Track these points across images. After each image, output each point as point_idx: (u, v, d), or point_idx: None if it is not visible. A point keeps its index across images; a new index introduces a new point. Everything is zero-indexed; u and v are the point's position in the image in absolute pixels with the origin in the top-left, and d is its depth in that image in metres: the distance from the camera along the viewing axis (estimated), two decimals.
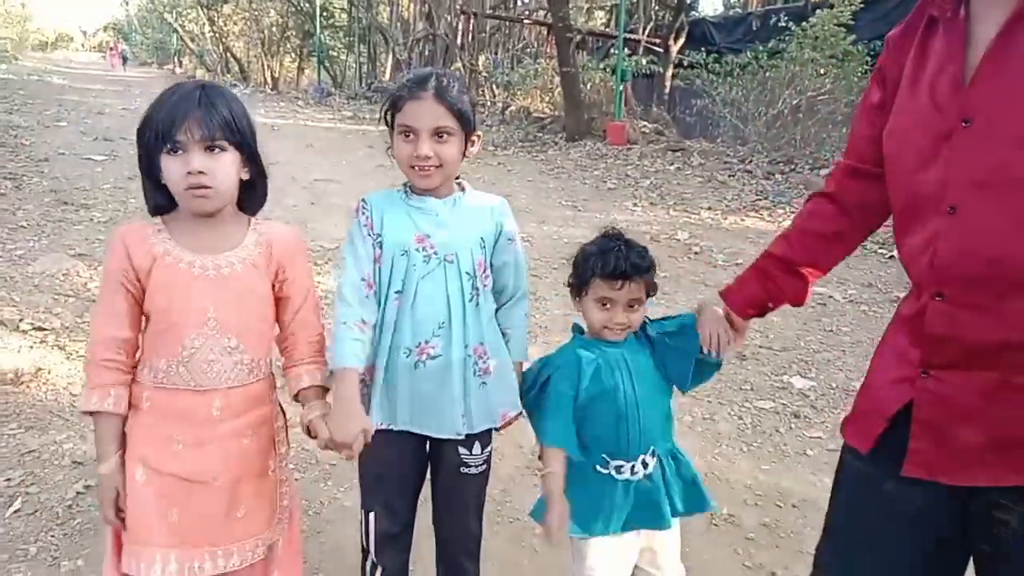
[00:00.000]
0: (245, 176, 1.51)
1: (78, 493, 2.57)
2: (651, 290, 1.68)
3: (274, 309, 1.58)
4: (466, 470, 1.77)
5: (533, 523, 2.58)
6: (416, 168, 1.63)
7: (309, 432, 1.53)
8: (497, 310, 1.79)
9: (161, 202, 1.49)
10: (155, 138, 1.40)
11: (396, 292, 1.66)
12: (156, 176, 1.44)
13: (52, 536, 2.34)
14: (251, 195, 1.56)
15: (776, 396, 3.66)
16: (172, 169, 1.41)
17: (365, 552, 1.83)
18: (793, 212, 7.74)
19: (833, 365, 4.06)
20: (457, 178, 1.75)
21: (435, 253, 1.66)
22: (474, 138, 1.69)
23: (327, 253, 5.75)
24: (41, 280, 4.57)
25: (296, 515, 1.70)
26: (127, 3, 41.16)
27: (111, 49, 38.21)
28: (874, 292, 5.36)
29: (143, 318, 1.49)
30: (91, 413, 1.45)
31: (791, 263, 1.54)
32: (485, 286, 1.73)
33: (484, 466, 1.80)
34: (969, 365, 1.17)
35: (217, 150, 1.42)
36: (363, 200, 1.71)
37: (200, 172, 1.40)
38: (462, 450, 1.75)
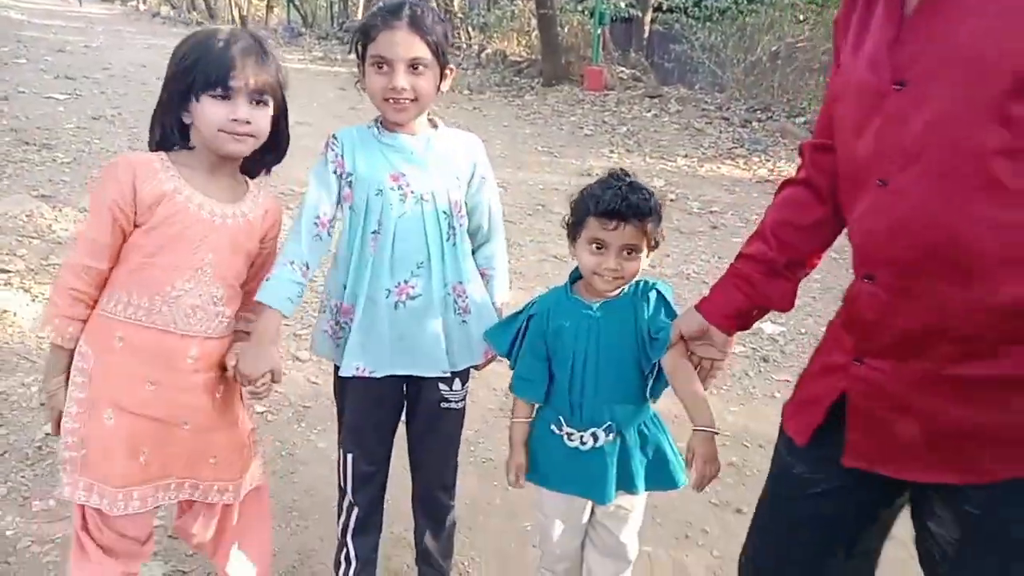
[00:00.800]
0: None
1: (47, 434, 2.55)
2: (652, 239, 1.54)
3: (245, 269, 1.58)
4: (446, 405, 1.78)
5: (504, 463, 2.63)
6: (390, 101, 1.57)
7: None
8: (474, 251, 1.78)
9: (173, 140, 1.49)
10: (205, 81, 1.41)
11: (373, 232, 1.62)
12: (179, 115, 1.46)
13: (22, 476, 2.33)
14: (262, 157, 1.58)
15: (747, 341, 3.71)
16: (215, 113, 1.42)
17: (342, 491, 1.85)
18: (769, 160, 7.75)
19: (803, 311, 4.12)
20: (429, 115, 1.70)
21: (411, 192, 1.62)
22: (447, 71, 1.64)
23: (296, 196, 5.65)
24: (3, 222, 4.45)
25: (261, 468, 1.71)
26: None
27: None
28: (844, 239, 5.38)
29: (131, 252, 1.44)
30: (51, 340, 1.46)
31: (771, 263, 1.36)
32: (461, 225, 1.70)
33: (463, 402, 1.82)
34: (900, 353, 1.08)
35: (262, 103, 1.46)
36: (333, 136, 1.65)
37: (247, 121, 1.43)
38: (442, 386, 1.76)
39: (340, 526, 1.87)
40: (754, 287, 1.38)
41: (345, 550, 1.86)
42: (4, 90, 8.44)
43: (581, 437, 1.61)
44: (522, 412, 1.69)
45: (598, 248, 1.52)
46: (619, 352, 1.58)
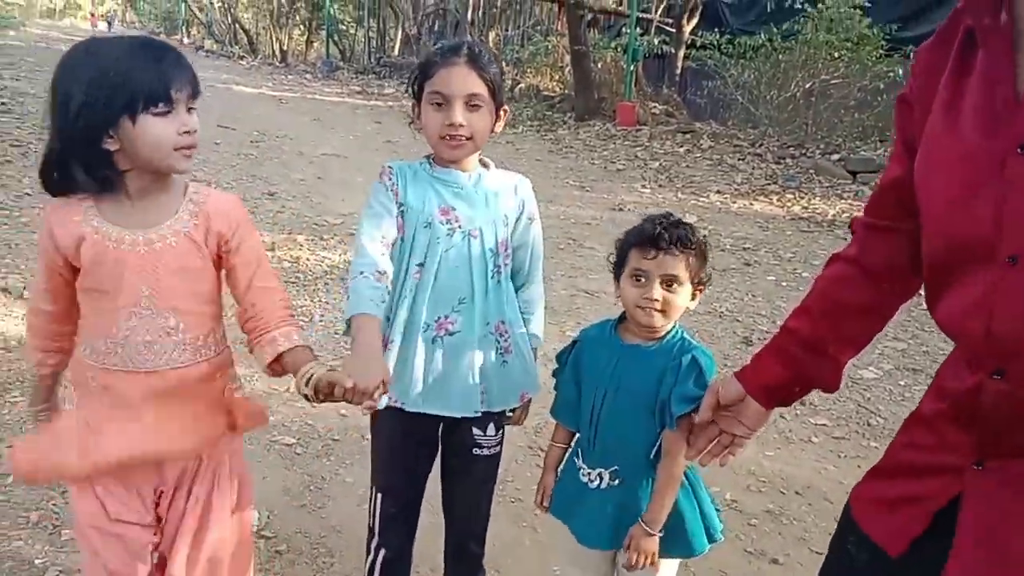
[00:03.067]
0: None
1: None
2: (695, 273, 1.51)
3: (217, 284, 1.47)
4: (478, 451, 1.75)
5: (533, 503, 2.58)
6: (447, 138, 1.57)
7: (308, 395, 1.35)
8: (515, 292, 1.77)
9: (95, 176, 1.32)
10: (145, 98, 1.27)
11: (417, 264, 1.62)
12: (97, 145, 1.29)
13: (53, 504, 2.34)
14: None
15: None
16: (164, 131, 1.29)
17: (371, 531, 1.82)
18: (803, 197, 7.68)
19: None
20: (480, 156, 1.70)
21: (459, 227, 1.62)
22: (501, 112, 1.65)
23: (332, 228, 5.72)
24: None
25: (245, 502, 1.60)
26: None
27: (92, 15, 47.14)
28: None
29: (80, 296, 1.41)
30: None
31: (816, 343, 1.24)
32: (506, 264, 1.70)
33: (497, 448, 1.78)
34: None
35: (194, 109, 1.36)
36: (389, 166, 1.66)
37: (194, 130, 1.33)
38: (476, 431, 1.73)
39: (367, 566, 1.83)
40: (797, 364, 1.25)
41: None
42: None
43: (590, 474, 1.61)
44: (558, 437, 1.71)
45: (639, 279, 1.51)
46: (634, 401, 1.54)
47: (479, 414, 1.69)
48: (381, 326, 1.48)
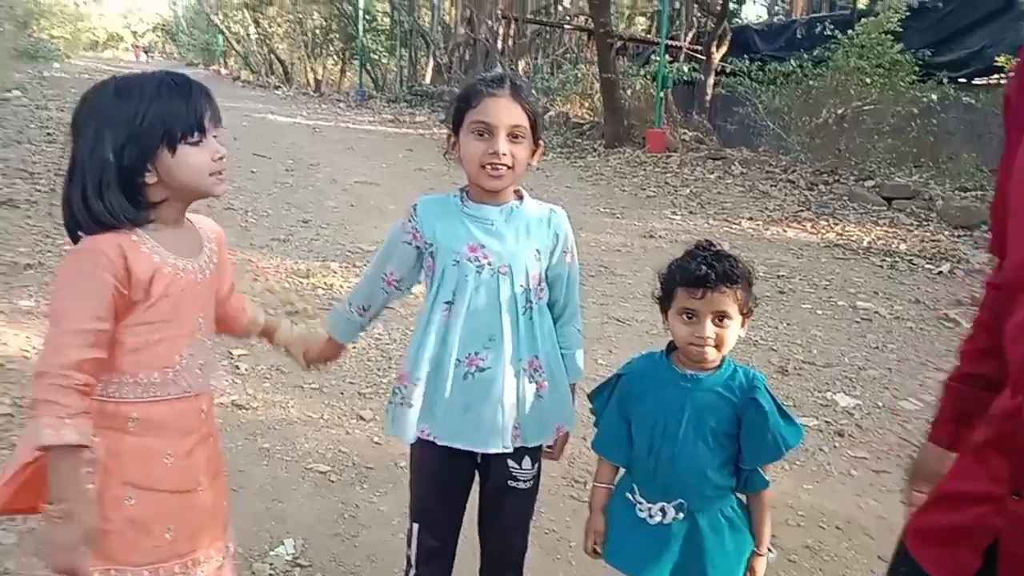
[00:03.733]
0: None
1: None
2: (744, 306, 1.51)
3: None
4: (514, 484, 1.74)
5: (568, 536, 2.56)
6: (488, 167, 1.57)
7: (286, 346, 1.81)
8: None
9: (139, 208, 1.35)
10: (178, 132, 1.34)
11: (446, 303, 1.63)
12: (135, 179, 1.34)
13: None
14: None
15: (820, 413, 3.57)
16: (198, 158, 1.37)
17: (408, 562, 1.82)
18: (837, 223, 7.59)
19: (879, 383, 3.95)
20: (515, 186, 1.71)
21: (489, 264, 1.61)
22: (539, 145, 1.66)
23: (366, 255, 5.77)
24: None
25: None
26: (175, 4, 42.15)
27: (136, 46, 51.22)
28: (921, 309, 5.22)
29: (130, 332, 1.37)
30: (59, 447, 1.25)
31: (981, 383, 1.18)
32: (540, 299, 1.69)
33: (532, 482, 1.76)
34: None
35: (217, 136, 1.42)
36: (414, 207, 1.68)
37: (224, 156, 1.41)
38: (511, 464, 1.71)
39: None
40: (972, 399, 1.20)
41: None
42: None
43: (650, 509, 1.57)
44: (604, 476, 1.67)
45: (689, 318, 1.51)
46: (704, 431, 1.53)
47: (510, 450, 1.68)
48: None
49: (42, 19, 31.59)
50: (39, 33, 29.95)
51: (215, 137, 1.41)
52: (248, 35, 30.34)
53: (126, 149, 1.32)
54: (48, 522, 1.28)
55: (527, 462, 1.73)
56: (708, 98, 13.42)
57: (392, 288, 1.73)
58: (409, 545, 1.80)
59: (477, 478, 1.80)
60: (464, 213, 1.65)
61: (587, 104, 15.35)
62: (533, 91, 1.67)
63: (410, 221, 1.66)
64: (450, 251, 1.62)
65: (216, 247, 1.52)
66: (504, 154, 1.56)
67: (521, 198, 1.70)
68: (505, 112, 1.56)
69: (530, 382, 1.67)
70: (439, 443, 1.67)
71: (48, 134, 9.75)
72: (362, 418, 3.29)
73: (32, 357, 3.49)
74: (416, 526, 1.78)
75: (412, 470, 1.80)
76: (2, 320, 3.86)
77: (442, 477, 1.74)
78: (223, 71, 29.66)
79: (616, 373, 1.66)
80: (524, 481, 1.74)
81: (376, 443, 3.09)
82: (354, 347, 4.01)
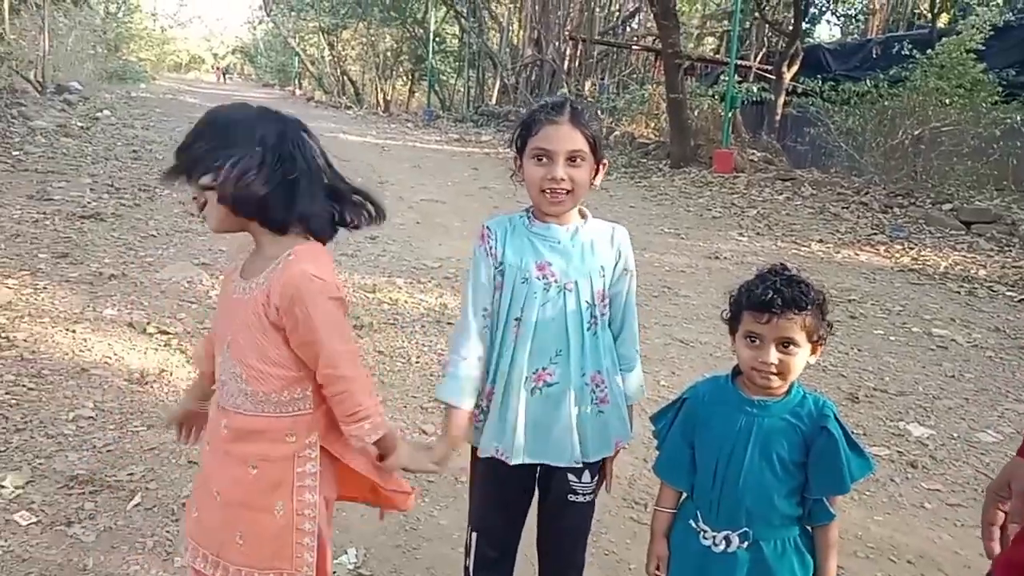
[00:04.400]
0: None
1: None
2: (814, 334, 1.47)
3: (284, 351, 1.45)
4: (574, 498, 1.76)
5: (628, 557, 2.54)
6: (547, 192, 1.64)
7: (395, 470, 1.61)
8: None
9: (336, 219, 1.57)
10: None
11: (515, 319, 1.68)
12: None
13: (167, 531, 2.47)
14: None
15: (891, 443, 3.45)
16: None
17: (467, 572, 1.84)
18: (912, 248, 7.34)
19: (955, 413, 3.80)
20: (579, 206, 1.75)
21: (555, 281, 1.67)
22: (601, 165, 1.71)
23: (431, 271, 5.87)
24: (168, 286, 4.87)
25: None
26: (255, 28, 43.84)
27: (217, 68, 56.71)
28: (1001, 337, 4.99)
29: None
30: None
31: None
32: (603, 315, 1.73)
33: (592, 495, 1.79)
34: None
35: None
36: (487, 226, 1.74)
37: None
38: (572, 477, 1.74)
39: None
40: None
41: None
42: None
43: (715, 537, 1.55)
44: (666, 501, 1.65)
45: (753, 342, 1.49)
46: (770, 459, 1.50)
47: (579, 463, 1.71)
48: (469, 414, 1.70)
49: (131, 42, 33.31)
50: (128, 56, 31.58)
51: None
52: (323, 57, 31.31)
53: (319, 178, 1.52)
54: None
55: (586, 476, 1.75)
56: (778, 118, 13.20)
57: (488, 324, 1.70)
58: (468, 555, 1.83)
59: (537, 492, 1.82)
60: (531, 232, 1.71)
61: (653, 124, 15.29)
62: (598, 112, 1.72)
63: (487, 242, 1.72)
64: (519, 269, 1.67)
65: (273, 285, 1.41)
66: (562, 179, 1.62)
67: (584, 218, 1.75)
68: (564, 138, 1.62)
69: (592, 397, 1.71)
70: (510, 462, 1.70)
71: (134, 151, 10.27)
72: (424, 432, 3.34)
73: (114, 364, 3.66)
74: (475, 535, 1.81)
75: (473, 480, 1.84)
76: (87, 327, 4.07)
77: (505, 490, 1.77)
78: (298, 92, 30.67)
79: (680, 396, 1.64)
80: (584, 495, 1.76)
81: None
82: (417, 361, 4.08)
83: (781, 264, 1.54)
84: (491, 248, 1.70)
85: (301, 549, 1.50)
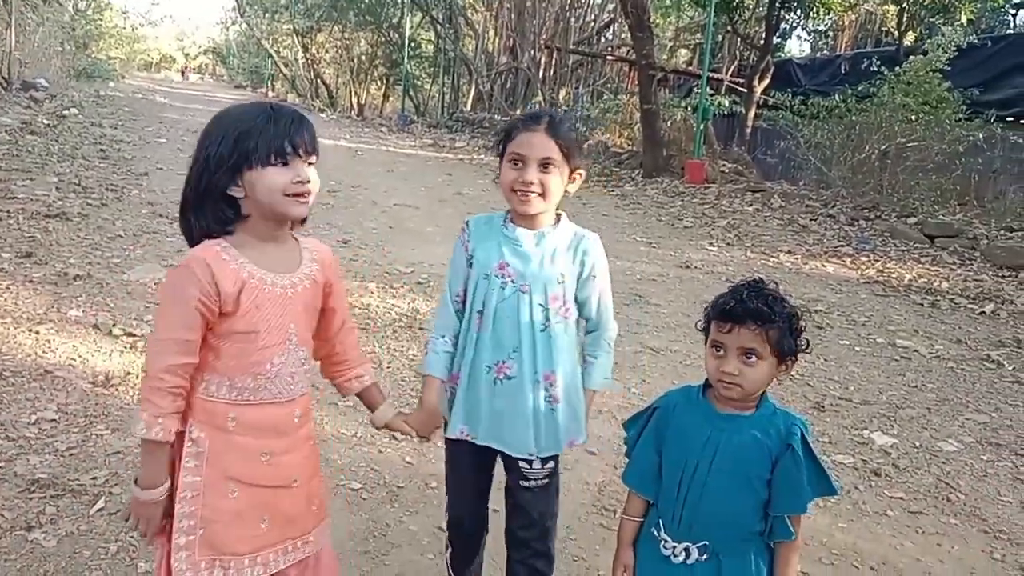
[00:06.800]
0: None
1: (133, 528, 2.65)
2: (778, 347, 1.47)
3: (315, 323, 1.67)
4: (525, 483, 1.88)
5: (597, 564, 2.55)
6: (518, 192, 1.77)
7: (386, 425, 1.81)
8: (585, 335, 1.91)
9: (224, 220, 1.52)
10: (266, 151, 1.47)
11: (478, 311, 1.82)
12: (226, 192, 1.50)
13: (132, 536, 2.42)
14: None
15: (856, 451, 3.51)
16: (278, 178, 1.49)
17: (448, 563, 2.04)
18: (878, 260, 7.48)
19: (917, 423, 3.87)
20: (557, 211, 1.86)
21: (511, 282, 1.80)
22: (576, 175, 1.83)
23: (403, 277, 5.85)
24: (135, 287, 4.79)
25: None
26: (227, 29, 43.41)
27: (183, 68, 55.94)
28: (963, 349, 5.11)
29: (226, 339, 1.51)
30: (148, 441, 1.46)
31: None
32: (566, 318, 1.83)
33: (545, 480, 1.89)
34: None
35: (312, 165, 1.56)
36: (467, 222, 1.90)
37: (308, 181, 1.52)
38: (523, 465, 1.86)
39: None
40: None
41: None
42: (145, 167, 9.24)
43: (675, 548, 1.56)
44: (634, 509, 1.67)
45: (718, 351, 1.50)
46: (733, 473, 1.51)
47: (533, 457, 1.84)
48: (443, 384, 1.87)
49: (100, 40, 32.76)
50: (97, 53, 31.04)
51: (309, 165, 1.53)
52: (296, 60, 31.09)
53: (218, 164, 1.49)
54: (136, 495, 1.50)
55: (536, 464, 1.87)
56: (748, 130, 13.39)
57: (462, 306, 1.86)
58: (445, 516, 2.03)
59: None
60: (503, 233, 1.85)
61: (626, 134, 15.42)
62: (576, 123, 1.80)
63: (465, 234, 1.88)
64: (484, 266, 1.82)
65: (320, 267, 1.63)
66: (531, 182, 1.75)
67: (558, 223, 1.86)
68: (538, 146, 1.75)
69: (546, 395, 1.82)
70: (477, 443, 1.85)
71: (101, 150, 10.10)
72: (395, 438, 3.32)
73: (78, 366, 3.60)
74: (448, 497, 1.99)
75: (447, 466, 1.99)
76: (51, 328, 3.99)
77: (468, 469, 1.95)
78: (270, 94, 30.40)
79: (651, 405, 1.65)
80: (536, 480, 1.88)
81: (408, 463, 3.11)
82: (388, 366, 4.07)
83: (759, 278, 1.55)
84: (466, 241, 1.86)
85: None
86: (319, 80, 29.42)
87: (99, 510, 2.53)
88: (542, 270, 1.79)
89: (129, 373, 3.58)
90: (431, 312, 4.85)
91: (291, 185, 1.49)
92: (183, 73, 53.59)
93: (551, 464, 1.88)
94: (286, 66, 32.11)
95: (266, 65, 34.12)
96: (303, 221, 1.64)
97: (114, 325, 4.11)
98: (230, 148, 1.48)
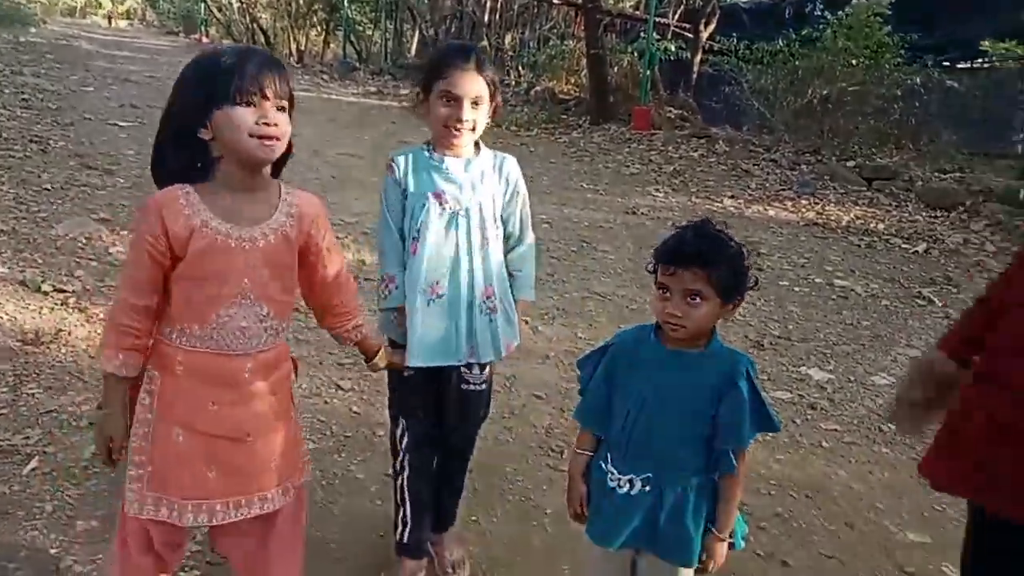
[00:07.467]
0: None
1: (94, 454, 2.59)
2: (724, 289, 1.49)
3: (296, 276, 1.64)
4: (466, 387, 2.06)
5: (544, 503, 2.59)
6: (450, 128, 1.88)
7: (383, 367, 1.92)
8: (506, 253, 2.06)
9: (193, 163, 1.49)
10: (234, 90, 1.44)
11: (414, 237, 1.93)
12: (195, 134, 1.47)
13: (68, 496, 2.37)
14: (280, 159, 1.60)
15: (794, 387, 3.62)
16: (244, 118, 1.45)
17: (397, 454, 2.12)
18: (818, 203, 7.64)
19: (852, 358, 4.01)
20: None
21: (448, 207, 1.92)
22: (496, 107, 1.96)
23: (347, 227, 5.74)
24: (64, 243, 4.60)
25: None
26: None
27: (111, 13, 51.00)
28: (896, 287, 5.29)
29: (176, 284, 1.51)
30: (109, 374, 1.52)
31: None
32: (496, 236, 2.00)
33: (484, 385, 2.09)
34: None
35: (283, 110, 1.51)
36: (392, 159, 1.98)
37: (275, 124, 1.48)
38: (464, 371, 2.04)
39: (395, 484, 2.15)
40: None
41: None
42: (71, 117, 8.80)
43: (620, 480, 1.59)
44: (584, 444, 1.70)
45: (664, 293, 1.51)
46: (680, 410, 1.54)
47: (463, 363, 2.00)
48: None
49: None
50: None
51: (280, 111, 1.50)
52: (231, 3, 29.81)
53: (186, 106, 1.48)
54: (96, 417, 1.58)
55: (476, 370, 2.05)
56: (694, 76, 13.38)
57: (400, 243, 1.96)
58: (399, 441, 2.09)
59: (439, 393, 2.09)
60: (431, 164, 1.95)
61: (573, 80, 15.25)
62: (492, 60, 1.83)
63: (394, 172, 1.96)
64: (419, 195, 1.92)
65: (297, 222, 1.58)
66: (467, 120, 1.87)
67: (478, 149, 2.00)
68: (470, 84, 1.86)
69: (483, 308, 1.98)
70: (420, 364, 1.95)
71: (23, 99, 9.56)
72: (341, 388, 3.30)
73: (6, 324, 3.46)
74: (404, 421, 2.08)
75: (392, 376, 2.08)
76: None
77: (422, 388, 2.04)
78: (204, 40, 29.16)
79: (605, 343, 1.67)
80: (476, 384, 2.07)
81: (355, 412, 3.10)
82: None
83: (704, 219, 1.57)
84: (396, 176, 1.95)
85: (302, 443, 1.79)
86: (255, 25, 28.29)
87: (32, 470, 2.47)
88: (475, 193, 1.94)
89: (61, 331, 3.45)
90: (376, 262, 4.79)
91: (256, 126, 1.45)
92: (109, 19, 50.04)
93: (488, 370, 2.08)
94: (220, 10, 30.76)
95: (199, 10, 32.62)
96: (278, 169, 1.60)
97: (43, 281, 3.94)
98: (199, 89, 1.47)
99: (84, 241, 4.66)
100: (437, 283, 1.93)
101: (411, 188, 1.93)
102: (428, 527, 2.16)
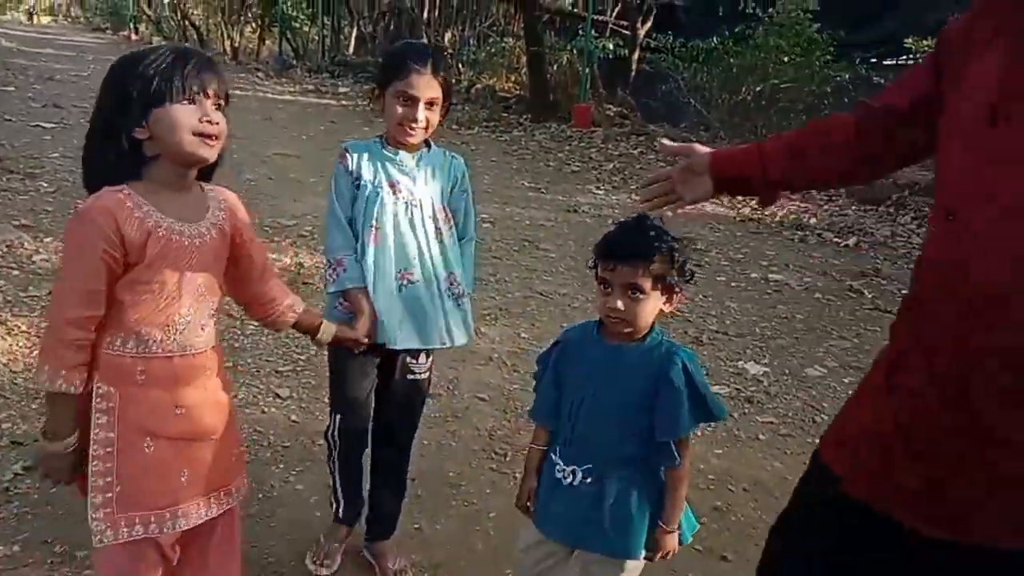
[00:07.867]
0: None
1: (15, 475, 2.48)
2: (661, 281, 1.52)
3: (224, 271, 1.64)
4: (412, 376, 2.11)
5: (487, 507, 2.59)
6: (405, 127, 1.95)
7: (334, 339, 1.86)
8: None
9: (124, 164, 1.45)
10: (172, 90, 1.41)
11: (371, 226, 1.98)
12: (130, 134, 1.43)
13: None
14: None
15: (731, 381, 3.70)
16: (184, 116, 1.42)
17: (331, 445, 2.19)
18: (754, 199, 7.82)
19: (787, 351, 4.12)
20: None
21: (402, 199, 2.00)
22: (449, 106, 2.05)
23: (285, 230, 5.63)
24: None
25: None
26: None
27: (33, 9, 48.38)
28: (829, 280, 5.45)
29: (129, 290, 1.45)
30: (53, 393, 1.43)
31: (792, 146, 1.42)
32: (450, 227, 2.09)
33: (427, 374, 2.16)
34: None
35: (220, 109, 1.50)
36: (345, 148, 2.03)
37: (217, 123, 1.46)
38: (410, 360, 2.09)
39: (331, 471, 2.23)
40: (752, 166, 1.43)
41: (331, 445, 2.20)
42: None
43: (564, 471, 1.63)
44: (539, 439, 1.73)
45: (606, 288, 1.54)
46: (619, 402, 1.57)
47: (446, 345, 2.09)
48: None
49: None
50: None
51: (218, 109, 1.48)
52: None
53: (123, 104, 1.43)
54: (42, 445, 1.48)
55: (422, 358, 2.12)
56: (633, 74, 13.53)
57: (350, 226, 2.01)
58: (334, 430, 2.16)
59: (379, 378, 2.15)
60: (384, 156, 2.02)
61: (513, 78, 15.26)
62: (459, 63, 1.85)
63: (346, 160, 2.01)
64: (372, 184, 1.99)
65: (227, 215, 1.58)
66: (421, 120, 1.95)
67: (429, 146, 2.08)
68: (426, 87, 1.93)
69: (450, 294, 2.07)
70: (390, 346, 2.01)
71: None
72: (279, 396, 3.23)
73: None
74: (338, 416, 2.14)
75: (333, 370, 2.14)
76: None
77: (366, 374, 2.09)
78: (134, 37, 28.21)
79: (555, 340, 1.71)
80: (420, 373, 2.13)
81: (293, 422, 3.04)
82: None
83: (642, 214, 1.59)
84: (349, 164, 2.00)
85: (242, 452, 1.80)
86: (187, 21, 27.51)
87: None
88: (427, 186, 2.03)
89: None
90: (315, 264, 4.71)
91: (199, 124, 1.43)
92: (31, 15, 47.59)
93: (431, 359, 2.15)
94: (149, 6, 29.82)
95: (127, 5, 31.56)
96: (212, 170, 1.58)
97: None
98: (136, 87, 1.42)
99: (5, 250, 4.47)
100: (406, 269, 2.00)
101: (365, 177, 1.99)
102: (361, 497, 2.23)
